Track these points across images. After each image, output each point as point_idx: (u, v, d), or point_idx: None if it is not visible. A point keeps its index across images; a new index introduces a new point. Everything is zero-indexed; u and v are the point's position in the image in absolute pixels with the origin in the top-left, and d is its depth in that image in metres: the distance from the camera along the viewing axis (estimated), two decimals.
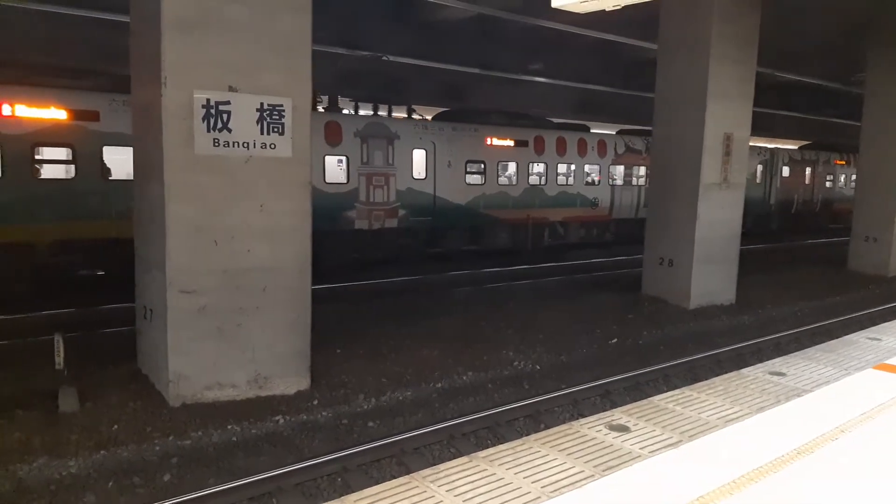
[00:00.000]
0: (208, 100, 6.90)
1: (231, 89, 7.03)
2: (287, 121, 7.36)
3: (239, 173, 7.18)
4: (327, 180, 15.93)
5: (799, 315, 13.35)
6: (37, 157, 12.49)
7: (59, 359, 6.87)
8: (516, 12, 16.46)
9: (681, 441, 4.54)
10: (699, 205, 13.00)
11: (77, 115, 12.32)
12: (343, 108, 17.22)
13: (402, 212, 17.22)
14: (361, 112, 17.34)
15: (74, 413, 6.69)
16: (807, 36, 18.74)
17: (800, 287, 15.47)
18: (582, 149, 21.49)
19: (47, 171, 12.65)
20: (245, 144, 7.17)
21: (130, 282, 8.30)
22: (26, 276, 12.03)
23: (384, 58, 17.78)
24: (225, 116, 7.02)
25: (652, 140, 14.34)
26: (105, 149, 12.76)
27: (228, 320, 7.27)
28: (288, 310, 7.64)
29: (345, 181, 16.25)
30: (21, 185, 11.93)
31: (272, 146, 7.32)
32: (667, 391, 8.75)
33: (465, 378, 8.51)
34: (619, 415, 4.85)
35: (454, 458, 6.53)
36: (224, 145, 7.06)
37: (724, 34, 12.74)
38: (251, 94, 7.13)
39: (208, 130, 6.96)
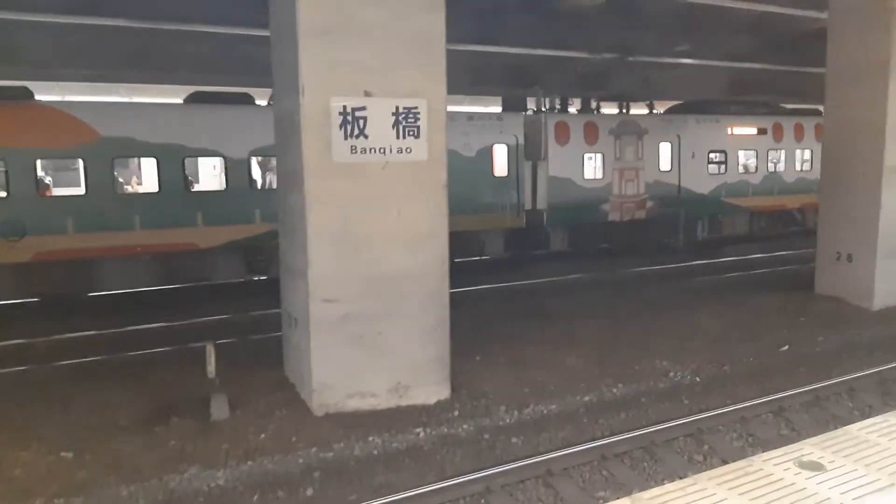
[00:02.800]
0: (345, 106, 6.82)
1: (366, 94, 6.90)
2: (422, 123, 7.13)
3: (376, 179, 7.06)
4: (585, 177, 17.16)
5: None
6: None
7: (211, 367, 7.07)
8: None
9: (892, 484, 3.74)
10: (883, 191, 11.45)
11: None
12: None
13: (649, 203, 18.09)
14: (610, 111, 18.58)
15: (225, 420, 6.86)
16: None
17: None
18: (819, 133, 20.96)
19: None
20: (381, 150, 7.02)
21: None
22: None
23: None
24: (361, 122, 6.91)
25: (823, 121, 12.80)
26: None
27: (369, 328, 7.17)
28: (427, 316, 7.43)
29: (601, 177, 17.40)
30: None
31: (408, 150, 7.12)
32: (853, 407, 7.75)
33: (614, 391, 7.89)
34: (809, 448, 4.09)
35: (605, 480, 6.03)
36: (361, 152, 6.95)
37: None
38: (386, 98, 6.97)
39: (346, 138, 6.88)
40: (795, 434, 7.00)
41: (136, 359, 9.24)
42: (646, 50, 19.16)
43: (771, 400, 7.55)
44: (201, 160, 14.34)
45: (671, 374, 8.48)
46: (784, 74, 21.53)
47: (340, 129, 6.82)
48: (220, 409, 6.96)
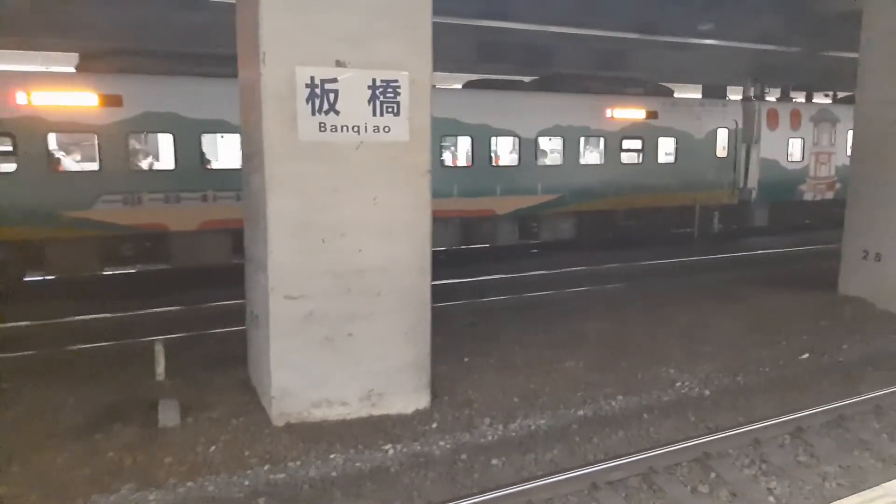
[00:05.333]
0: (312, 77, 5.98)
1: (338, 64, 6.06)
2: (403, 99, 6.29)
3: (349, 162, 6.24)
4: (789, 159, 18.93)
5: None
6: (623, 147, 16.36)
7: (160, 369, 6.34)
8: None
9: None
10: None
11: (647, 113, 16.45)
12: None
13: (838, 185, 19.56)
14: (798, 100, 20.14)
15: (174, 428, 6.14)
16: None
17: None
18: None
19: (627, 158, 16.54)
20: (355, 128, 6.19)
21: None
22: (609, 232, 16.81)
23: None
24: (331, 96, 6.08)
25: (855, 109, 11.80)
26: (660, 136, 16.80)
27: (338, 329, 6.39)
28: (405, 316, 6.64)
29: (800, 159, 19.17)
30: (613, 169, 16.24)
31: (386, 129, 6.29)
32: (880, 430, 6.82)
33: (613, 403, 7.08)
34: None
35: None
36: (331, 130, 6.12)
37: None
38: (361, 70, 6.12)
39: (313, 113, 6.05)
40: (815, 461, 6.18)
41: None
42: (667, 29, 18.14)
43: (789, 419, 6.71)
44: (501, 139, 15.59)
45: (678, 384, 7.66)
46: (814, 59, 20.42)
47: (307, 103, 5.99)
48: (168, 415, 6.23)
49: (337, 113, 6.13)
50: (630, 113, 16.30)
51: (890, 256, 10.82)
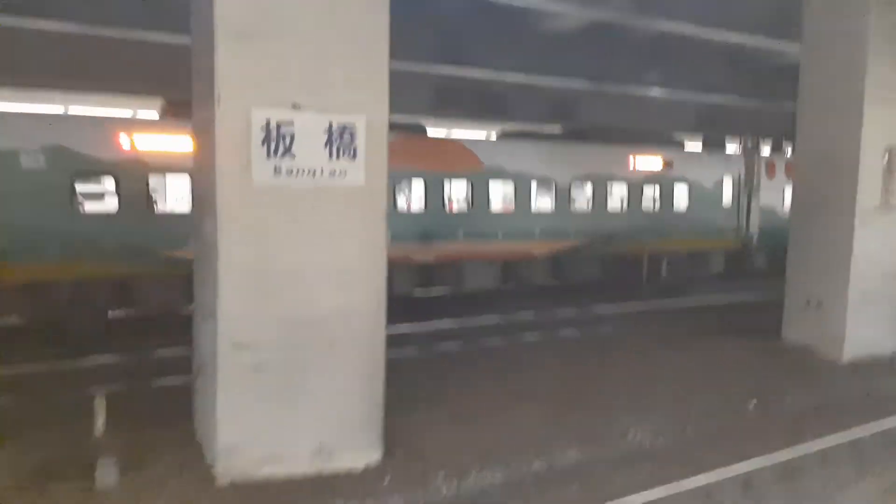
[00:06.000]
0: (268, 120, 5.85)
1: (294, 107, 5.95)
2: (360, 143, 6.19)
3: (304, 206, 6.09)
4: (784, 206, 19.15)
5: None
6: (644, 195, 17.80)
7: (100, 423, 5.96)
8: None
9: None
10: (855, 233, 10.87)
11: (664, 163, 17.97)
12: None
13: None
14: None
15: (112, 489, 5.74)
16: None
17: None
18: None
19: (646, 205, 17.96)
20: (311, 172, 6.06)
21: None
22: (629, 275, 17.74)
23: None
24: (287, 140, 5.95)
25: (795, 156, 12.29)
26: (675, 185, 18.18)
27: (289, 380, 6.14)
28: (358, 366, 6.45)
29: None
30: (636, 216, 17.58)
31: (342, 173, 6.18)
32: (827, 479, 6.96)
33: (568, 455, 6.97)
34: None
35: None
36: (287, 174, 5.98)
37: (884, 26, 10.57)
38: (318, 113, 6.02)
39: (268, 156, 5.90)
40: None
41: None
42: (617, 79, 18.70)
43: (739, 474, 6.74)
44: (539, 185, 16.54)
45: (630, 435, 7.61)
46: (757, 111, 21.30)
47: (262, 146, 5.84)
48: (106, 474, 5.84)
49: (293, 156, 5.99)
50: (650, 162, 17.72)
51: (831, 304, 11.13)
